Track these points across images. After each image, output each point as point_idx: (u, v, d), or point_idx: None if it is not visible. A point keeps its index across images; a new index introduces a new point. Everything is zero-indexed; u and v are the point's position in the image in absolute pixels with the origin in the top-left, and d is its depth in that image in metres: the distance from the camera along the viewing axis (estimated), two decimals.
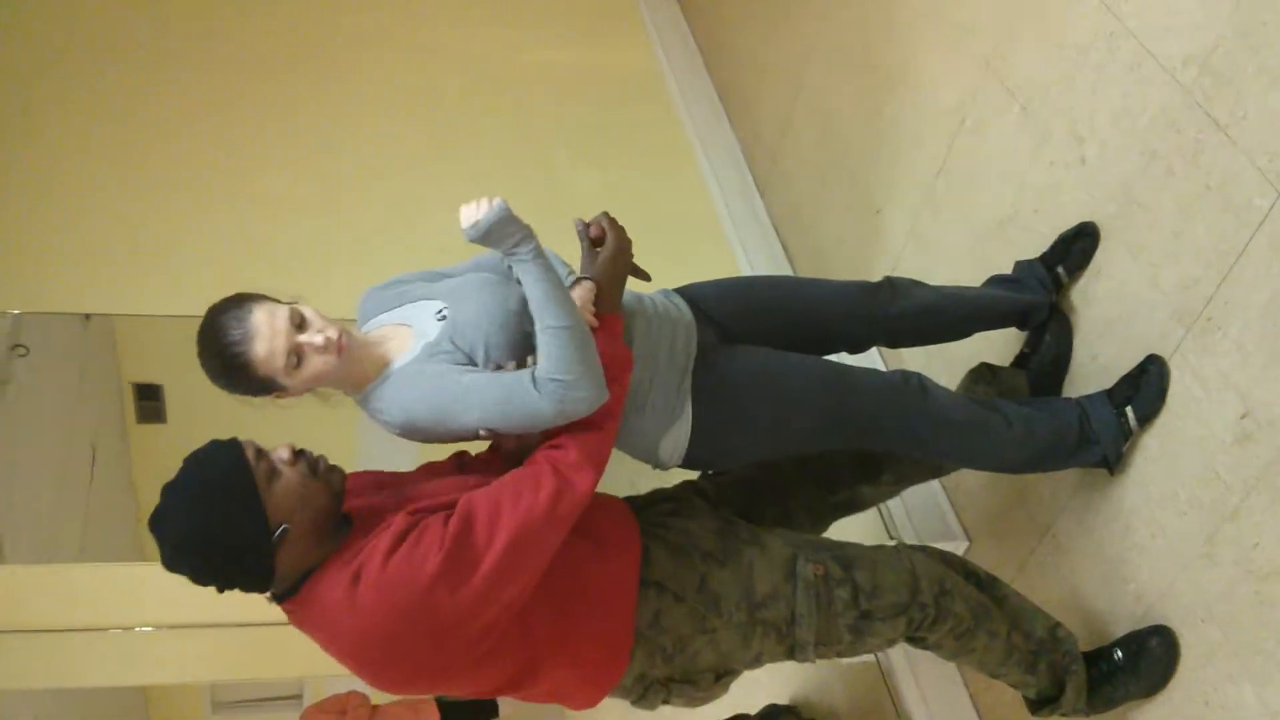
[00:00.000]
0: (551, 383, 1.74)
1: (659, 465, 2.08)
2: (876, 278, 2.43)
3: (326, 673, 2.97)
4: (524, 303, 1.88)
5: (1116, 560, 2.34)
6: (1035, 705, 2.26)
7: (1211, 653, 2.11)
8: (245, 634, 2.64)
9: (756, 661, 2.01)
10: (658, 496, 2.18)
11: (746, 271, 3.86)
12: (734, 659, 1.98)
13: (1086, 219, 2.41)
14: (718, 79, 4.71)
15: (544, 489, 1.69)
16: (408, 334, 1.95)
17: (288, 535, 1.63)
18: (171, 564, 1.61)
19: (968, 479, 2.88)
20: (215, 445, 1.65)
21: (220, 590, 1.64)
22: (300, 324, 1.78)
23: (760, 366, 2.11)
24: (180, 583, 2.27)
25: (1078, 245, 2.40)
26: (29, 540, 3.53)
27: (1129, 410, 2.24)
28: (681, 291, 2.23)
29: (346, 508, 1.77)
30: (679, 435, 2.02)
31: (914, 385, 2.19)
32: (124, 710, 5.82)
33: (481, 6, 4.99)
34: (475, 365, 1.86)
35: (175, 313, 3.43)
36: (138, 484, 4.67)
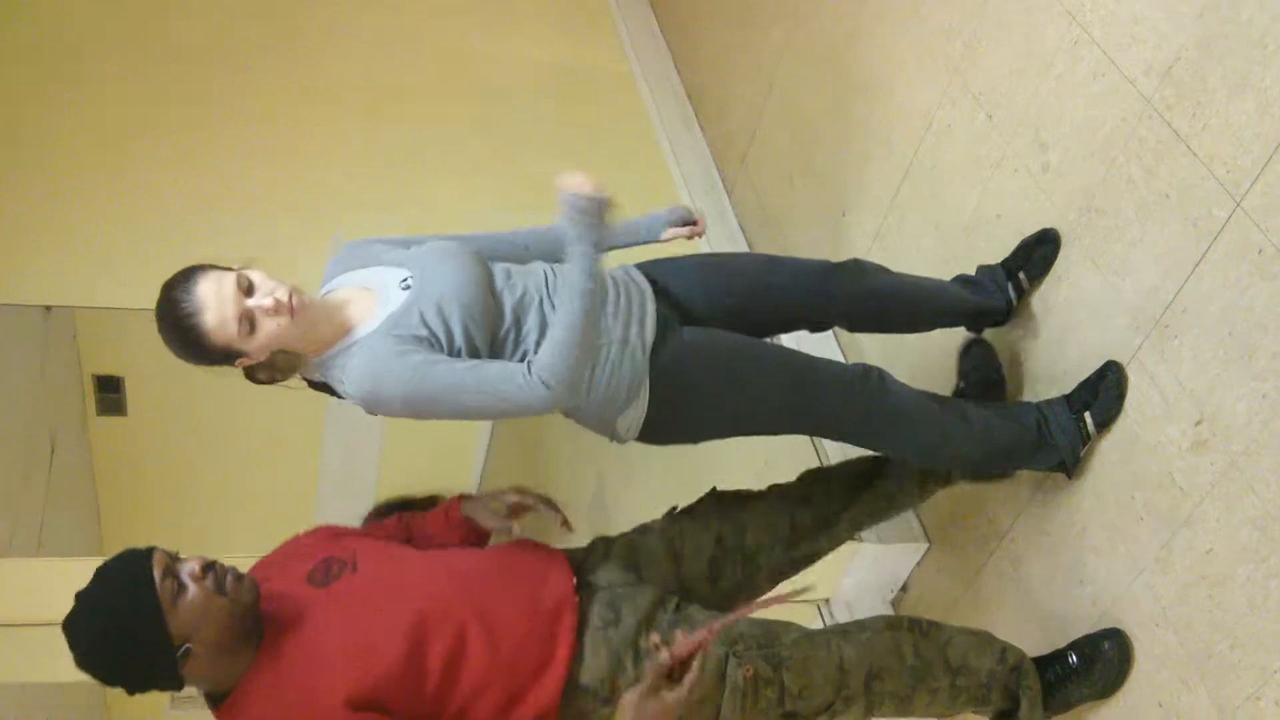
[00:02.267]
0: (545, 374, 1.79)
1: (616, 439, 2.09)
2: None
3: None
4: (488, 277, 1.94)
5: (1073, 564, 2.37)
6: (995, 718, 2.27)
7: (1166, 656, 2.14)
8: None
9: None
10: (615, 553, 2.14)
11: None
12: None
13: (1048, 225, 2.43)
14: (688, 79, 4.72)
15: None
16: (371, 300, 1.94)
17: (190, 653, 1.63)
18: (81, 668, 1.63)
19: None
20: (126, 559, 1.66)
21: (130, 694, 1.65)
22: (248, 289, 1.78)
23: (719, 353, 2.12)
24: None
25: (1039, 251, 2.42)
26: None
27: (1087, 415, 2.26)
28: (645, 269, 2.23)
29: (265, 607, 1.75)
30: (635, 414, 2.04)
31: (874, 380, 2.21)
32: (82, 707, 5.77)
33: (450, 2, 4.97)
34: (441, 343, 1.85)
35: (137, 305, 3.39)
36: (98, 476, 4.64)
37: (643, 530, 2.22)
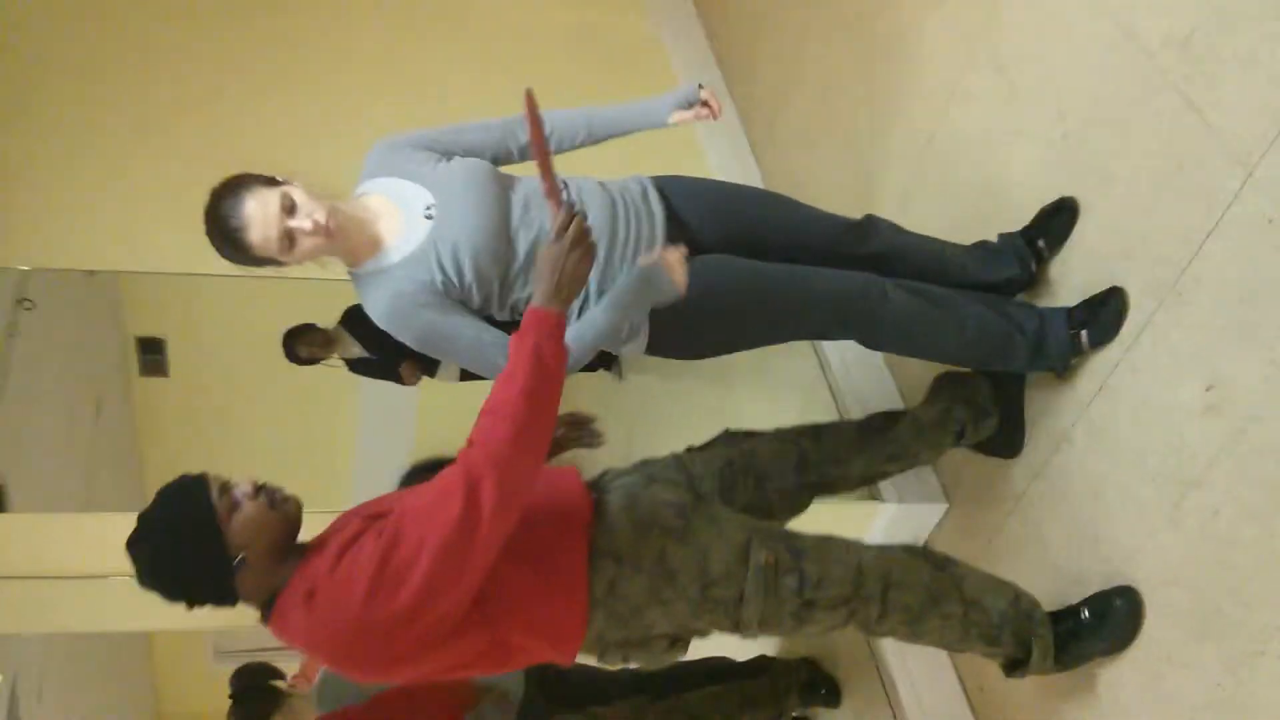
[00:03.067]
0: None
1: (620, 354, 2.27)
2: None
3: None
4: (506, 213, 2.10)
5: (1087, 523, 2.44)
6: (1007, 669, 2.35)
7: (1175, 613, 2.21)
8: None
9: (704, 633, 2.11)
10: (630, 468, 2.25)
11: None
12: (685, 629, 2.07)
13: (1066, 194, 2.48)
14: (716, 41, 4.75)
15: (455, 501, 1.67)
16: (397, 218, 2.11)
17: (245, 563, 1.75)
18: (143, 584, 1.75)
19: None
20: (183, 481, 1.78)
21: (189, 608, 1.76)
22: (290, 209, 1.96)
23: (723, 281, 2.22)
24: None
25: (1057, 219, 2.47)
26: (34, 490, 3.61)
27: (1084, 333, 2.37)
28: (662, 186, 2.33)
29: (319, 538, 1.84)
30: (637, 345, 2.20)
31: (874, 295, 2.31)
32: (127, 657, 5.94)
33: None
34: (454, 283, 2.04)
35: (178, 270, 3.50)
36: (141, 436, 4.76)
37: (654, 460, 2.33)
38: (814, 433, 2.50)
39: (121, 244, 3.64)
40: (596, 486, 2.13)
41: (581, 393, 2.02)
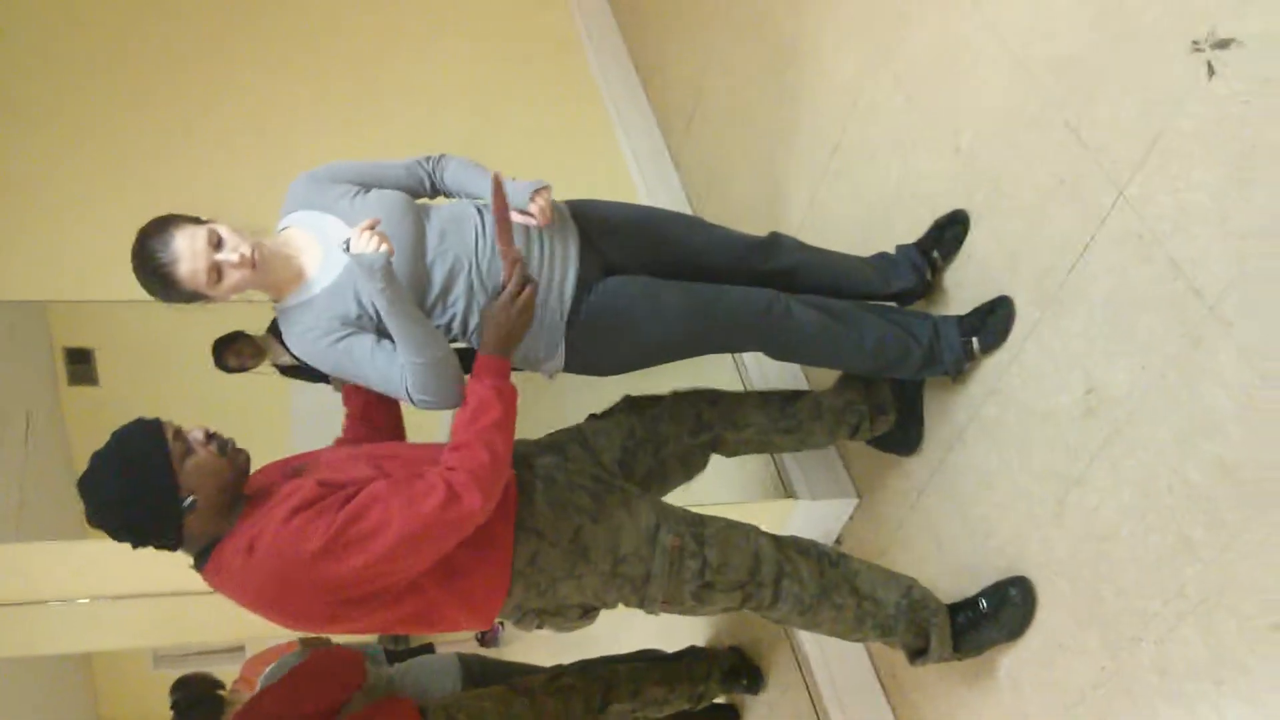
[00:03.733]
0: (413, 396, 2.08)
1: (546, 376, 2.38)
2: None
3: (263, 637, 3.14)
4: (422, 244, 2.18)
5: (982, 518, 2.58)
6: (910, 656, 2.53)
7: (1061, 603, 2.36)
8: (183, 601, 2.79)
9: (612, 605, 2.32)
10: (544, 446, 2.42)
11: None
12: (596, 600, 2.28)
13: (959, 206, 2.61)
14: (634, 49, 4.83)
15: (433, 499, 1.91)
16: (317, 251, 2.19)
17: (195, 505, 1.88)
18: (93, 522, 1.85)
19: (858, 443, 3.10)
20: (139, 423, 1.89)
21: (135, 547, 1.88)
22: (217, 243, 2.04)
23: (633, 303, 2.34)
24: (116, 556, 2.45)
25: (950, 231, 2.61)
26: None
27: (975, 340, 2.52)
28: (577, 210, 2.43)
29: (247, 489, 2.01)
30: (555, 364, 2.32)
31: (778, 310, 2.44)
32: (67, 663, 5.94)
33: None
34: (370, 317, 2.12)
35: (108, 298, 3.54)
36: (72, 445, 4.76)
37: (558, 433, 2.51)
38: (713, 397, 2.68)
39: (48, 271, 3.66)
40: (516, 464, 2.27)
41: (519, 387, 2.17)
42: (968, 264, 2.59)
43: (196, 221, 2.06)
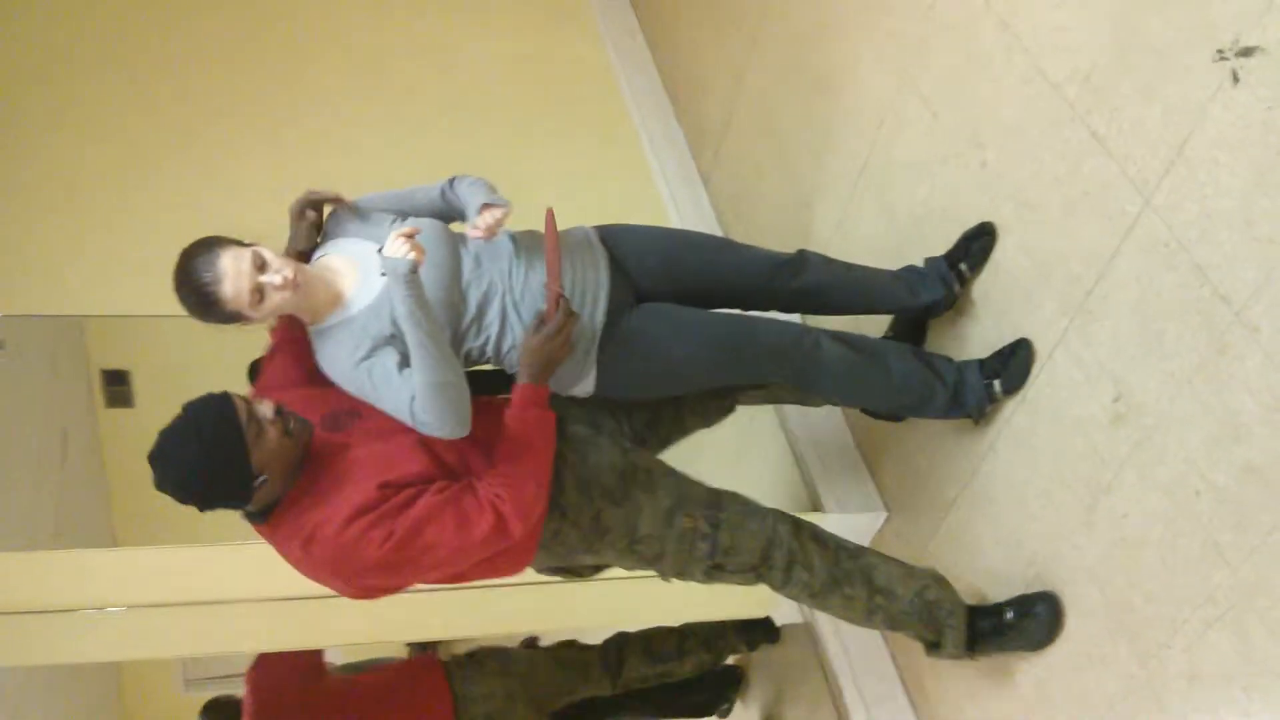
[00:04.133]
0: (417, 418, 2.07)
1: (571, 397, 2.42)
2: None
3: (294, 645, 3.17)
4: (457, 268, 2.24)
5: (1012, 528, 2.59)
6: (927, 649, 2.58)
7: (1091, 611, 2.36)
8: (215, 610, 2.83)
9: (629, 571, 2.43)
10: (576, 412, 2.47)
11: None
12: (610, 565, 2.42)
13: (986, 219, 2.63)
14: (665, 72, 4.90)
15: (484, 523, 2.03)
16: (355, 275, 2.22)
17: (266, 482, 1.97)
18: (163, 489, 1.92)
19: (885, 454, 3.12)
20: (211, 402, 1.95)
21: (201, 511, 1.95)
22: (261, 265, 2.07)
23: (664, 332, 2.39)
24: (149, 565, 2.50)
25: (978, 243, 2.63)
26: (4, 526, 3.69)
27: (996, 383, 2.55)
28: (606, 236, 2.48)
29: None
30: (584, 388, 2.36)
31: (808, 341, 2.49)
32: (97, 686, 5.98)
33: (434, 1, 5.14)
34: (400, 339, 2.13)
35: (143, 312, 3.60)
36: (108, 466, 4.83)
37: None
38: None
39: (88, 288, 3.72)
40: None
41: None
42: (996, 275, 2.62)
43: (240, 244, 2.10)
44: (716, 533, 2.37)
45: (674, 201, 4.33)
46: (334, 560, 2.00)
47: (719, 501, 2.42)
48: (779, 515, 2.46)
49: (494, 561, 2.19)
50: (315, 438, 2.10)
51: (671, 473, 2.43)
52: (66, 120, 4.11)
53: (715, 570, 2.39)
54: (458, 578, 2.22)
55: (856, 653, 3.14)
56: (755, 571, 2.41)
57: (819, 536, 2.49)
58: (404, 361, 2.12)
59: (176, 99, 4.28)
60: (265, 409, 1.98)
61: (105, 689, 6.15)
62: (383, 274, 2.09)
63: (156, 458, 1.91)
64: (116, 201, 3.89)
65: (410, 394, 2.07)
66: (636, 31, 5.15)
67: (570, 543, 2.30)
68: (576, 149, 4.54)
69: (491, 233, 2.23)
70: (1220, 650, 2.06)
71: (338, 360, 2.15)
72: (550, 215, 2.26)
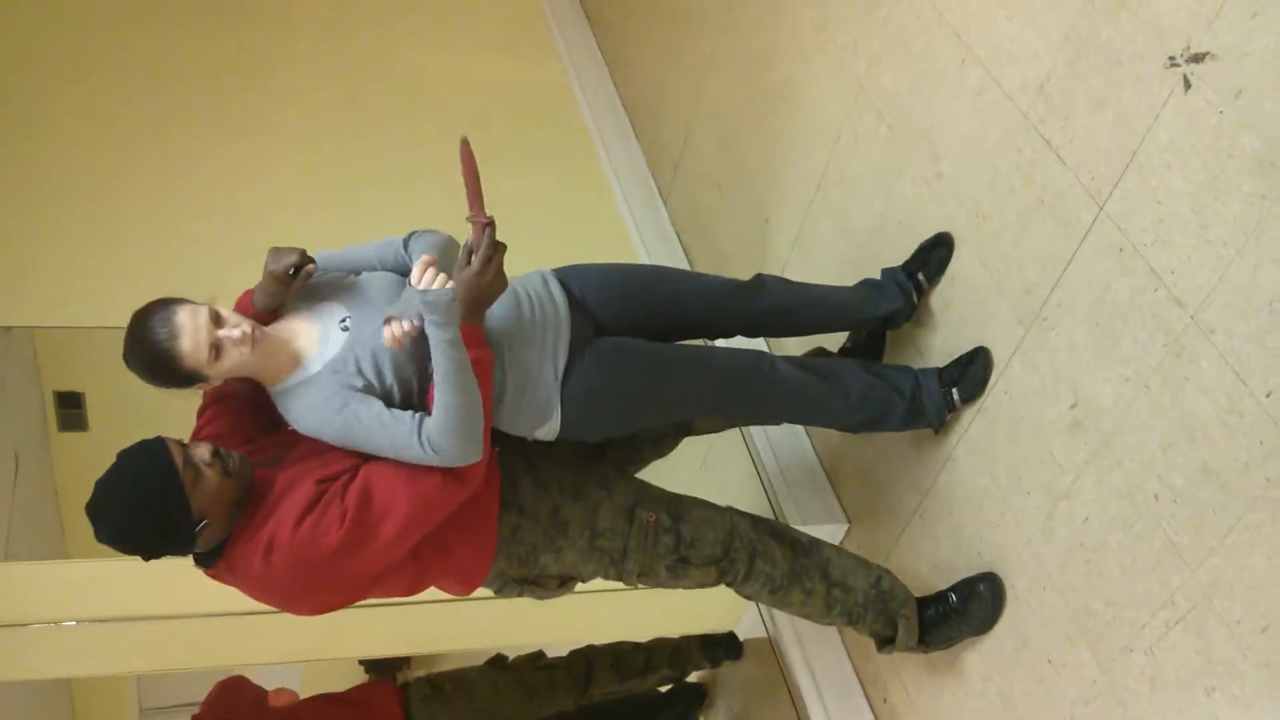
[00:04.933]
0: (433, 445, 2.01)
1: (534, 440, 2.36)
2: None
3: (252, 662, 3.13)
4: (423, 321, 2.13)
5: (973, 536, 2.60)
6: (879, 645, 2.62)
7: (1053, 616, 2.37)
8: (169, 626, 2.79)
9: (593, 575, 2.40)
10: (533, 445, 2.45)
11: None
12: (576, 571, 2.37)
13: (942, 229, 2.65)
14: (623, 91, 4.92)
15: (434, 474, 2.01)
16: (314, 335, 2.16)
17: (207, 526, 1.93)
18: (103, 542, 1.88)
19: (846, 465, 3.13)
20: (146, 450, 1.90)
21: (145, 560, 1.93)
22: (218, 321, 2.01)
23: (626, 365, 2.36)
24: (103, 579, 2.45)
25: (934, 253, 2.65)
26: None
27: (955, 390, 2.58)
28: (563, 277, 2.45)
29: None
30: (550, 428, 2.30)
31: (764, 366, 2.49)
32: (49, 705, 5.86)
33: (396, 23, 5.13)
34: (375, 387, 2.08)
35: (95, 324, 3.56)
36: (60, 490, 4.75)
37: None
38: None
39: (35, 299, 3.68)
40: (505, 443, 2.36)
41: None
42: (953, 284, 2.63)
43: (194, 302, 2.04)
44: (679, 525, 2.39)
45: (633, 219, 4.34)
46: (297, 561, 1.95)
47: (677, 497, 2.45)
48: (735, 511, 2.50)
49: (455, 558, 2.18)
50: (255, 474, 2.06)
51: (628, 476, 2.46)
52: (24, 130, 4.07)
53: (680, 565, 2.39)
54: (420, 578, 2.19)
55: (820, 667, 3.14)
56: (718, 566, 2.42)
57: (775, 531, 2.53)
58: (386, 405, 2.07)
59: (135, 110, 4.26)
60: (202, 451, 1.93)
61: (57, 714, 6.02)
62: (392, 316, 2.03)
63: (94, 510, 1.87)
64: (70, 213, 3.86)
65: (410, 428, 2.01)
66: (595, 51, 5.17)
67: (530, 540, 2.29)
68: (536, 169, 4.54)
69: (398, 345, 2.10)
70: (1182, 652, 2.07)
71: (314, 412, 2.07)
72: (465, 144, 2.12)
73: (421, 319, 2.04)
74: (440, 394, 2.01)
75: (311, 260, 2.15)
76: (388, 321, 2.06)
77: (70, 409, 4.66)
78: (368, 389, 2.08)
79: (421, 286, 1.98)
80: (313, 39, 4.89)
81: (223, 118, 4.35)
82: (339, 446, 2.09)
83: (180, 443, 1.94)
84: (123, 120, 4.23)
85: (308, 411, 2.08)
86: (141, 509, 1.85)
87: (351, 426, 2.05)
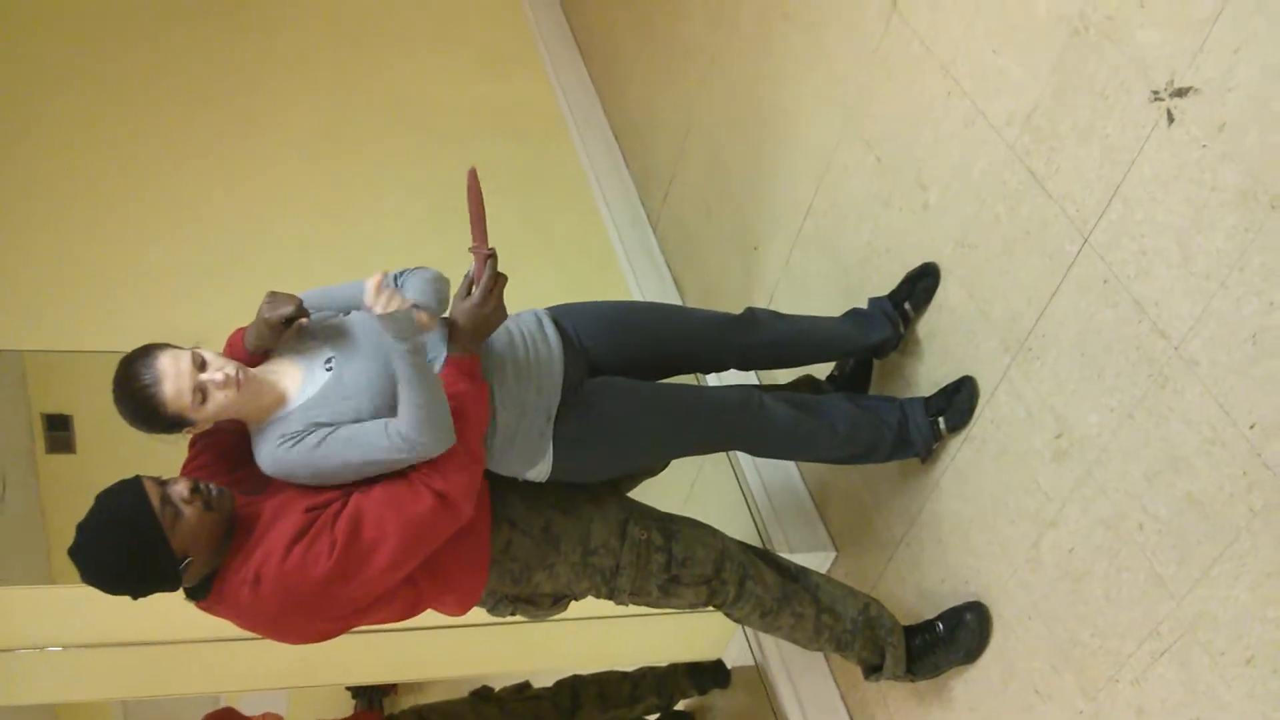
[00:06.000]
0: (405, 439, 2.00)
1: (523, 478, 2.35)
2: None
3: (239, 689, 3.11)
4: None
5: (959, 565, 2.60)
6: (866, 673, 2.63)
7: (1037, 646, 2.38)
8: (155, 652, 2.77)
9: (585, 594, 2.40)
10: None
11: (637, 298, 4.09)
12: (568, 589, 2.36)
13: (929, 259, 2.67)
14: (613, 118, 4.95)
15: (422, 502, 2.00)
16: (298, 374, 2.16)
17: (191, 563, 1.91)
18: (89, 584, 1.88)
19: (833, 494, 3.13)
20: (123, 493, 1.89)
21: (134, 599, 1.92)
22: (201, 365, 2.00)
23: (620, 409, 2.37)
24: (90, 604, 2.45)
25: (921, 283, 2.66)
26: None
27: (941, 420, 2.59)
28: (559, 316, 2.46)
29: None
30: (542, 469, 2.30)
31: (754, 405, 2.50)
32: None
33: (388, 50, 5.16)
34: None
35: (82, 348, 3.56)
36: (47, 512, 4.74)
37: None
38: None
39: (24, 322, 3.68)
40: None
41: None
42: (940, 314, 2.65)
43: (178, 347, 2.04)
44: (670, 544, 2.39)
45: (622, 245, 4.36)
46: (285, 590, 1.93)
47: (669, 516, 2.46)
48: (725, 535, 2.51)
49: (449, 577, 2.17)
50: (238, 503, 2.05)
51: (619, 494, 2.47)
52: (13, 153, 4.08)
53: (671, 584, 2.39)
54: (415, 602, 2.19)
55: (807, 695, 3.13)
56: (709, 586, 2.42)
57: (765, 555, 2.55)
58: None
59: (126, 134, 4.27)
60: (180, 488, 1.91)
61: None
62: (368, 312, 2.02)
63: (77, 555, 1.86)
64: (59, 236, 3.86)
65: (377, 428, 2.01)
66: (585, 78, 5.20)
67: (523, 556, 2.28)
68: (524, 192, 4.55)
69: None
70: (1167, 683, 2.08)
71: (280, 451, 2.06)
72: (473, 175, 2.15)
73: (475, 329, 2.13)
74: (408, 396, 2.01)
75: (305, 314, 2.15)
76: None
77: (58, 431, 4.65)
78: (332, 426, 2.07)
79: (383, 311, 1.98)
80: (301, 60, 4.91)
81: (211, 143, 4.36)
82: (307, 481, 2.06)
83: (157, 480, 1.91)
84: (113, 143, 4.24)
85: (276, 447, 2.06)
86: (122, 553, 1.85)
87: (324, 456, 2.03)
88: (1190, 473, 2.00)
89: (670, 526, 2.43)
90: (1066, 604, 2.30)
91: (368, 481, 2.06)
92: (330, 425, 2.05)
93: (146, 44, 4.75)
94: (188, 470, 2.18)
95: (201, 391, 1.98)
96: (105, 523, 1.86)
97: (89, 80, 4.49)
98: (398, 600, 2.15)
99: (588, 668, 3.59)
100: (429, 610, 2.27)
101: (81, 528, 1.86)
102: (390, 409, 2.08)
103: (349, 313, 2.30)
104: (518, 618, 2.45)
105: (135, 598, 1.91)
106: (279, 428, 2.08)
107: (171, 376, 1.95)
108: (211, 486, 1.96)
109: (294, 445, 2.04)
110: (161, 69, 4.64)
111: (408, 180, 4.43)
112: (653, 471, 2.73)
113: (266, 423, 2.11)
